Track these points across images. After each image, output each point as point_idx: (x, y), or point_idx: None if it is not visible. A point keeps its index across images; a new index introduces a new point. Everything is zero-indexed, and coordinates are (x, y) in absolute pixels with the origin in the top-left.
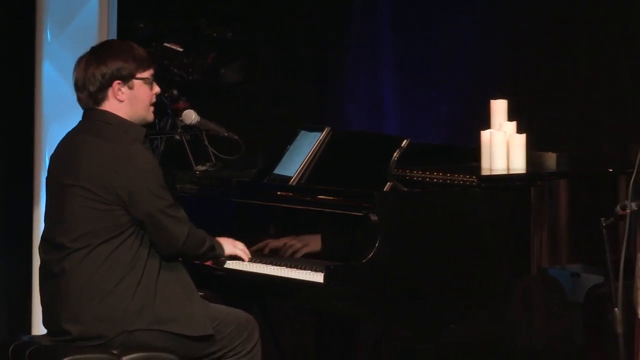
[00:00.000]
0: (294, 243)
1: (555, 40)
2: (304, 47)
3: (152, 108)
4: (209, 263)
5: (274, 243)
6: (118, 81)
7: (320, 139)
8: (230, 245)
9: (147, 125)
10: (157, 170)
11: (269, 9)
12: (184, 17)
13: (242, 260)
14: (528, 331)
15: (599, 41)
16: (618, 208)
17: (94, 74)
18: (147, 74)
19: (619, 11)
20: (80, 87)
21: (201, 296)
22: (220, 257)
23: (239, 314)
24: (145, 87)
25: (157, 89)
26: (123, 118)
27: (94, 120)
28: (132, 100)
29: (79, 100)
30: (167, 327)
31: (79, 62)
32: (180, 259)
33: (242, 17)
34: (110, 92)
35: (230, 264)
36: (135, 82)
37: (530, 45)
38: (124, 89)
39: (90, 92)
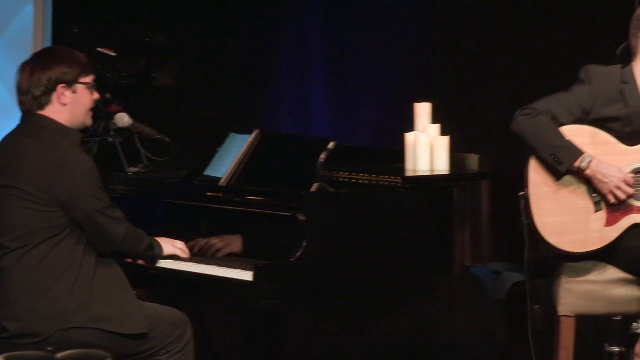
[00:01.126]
0: (224, 243)
1: (478, 44)
2: (233, 52)
3: (91, 113)
4: (142, 262)
5: (205, 243)
6: (62, 85)
7: (250, 141)
8: (169, 245)
9: (83, 129)
10: (95, 173)
11: (199, 14)
12: (117, 23)
13: (182, 259)
14: (451, 327)
15: (521, 45)
16: None
17: (40, 79)
18: (89, 79)
19: (539, 15)
20: (24, 91)
21: (135, 295)
22: (159, 256)
23: (172, 313)
24: (87, 92)
25: (97, 95)
26: (60, 123)
27: (33, 124)
28: (74, 104)
29: (21, 103)
30: (102, 325)
31: (23, 67)
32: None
33: (173, 22)
34: (54, 96)
35: (162, 263)
36: (79, 86)
37: (453, 49)
38: (68, 93)
39: (34, 96)
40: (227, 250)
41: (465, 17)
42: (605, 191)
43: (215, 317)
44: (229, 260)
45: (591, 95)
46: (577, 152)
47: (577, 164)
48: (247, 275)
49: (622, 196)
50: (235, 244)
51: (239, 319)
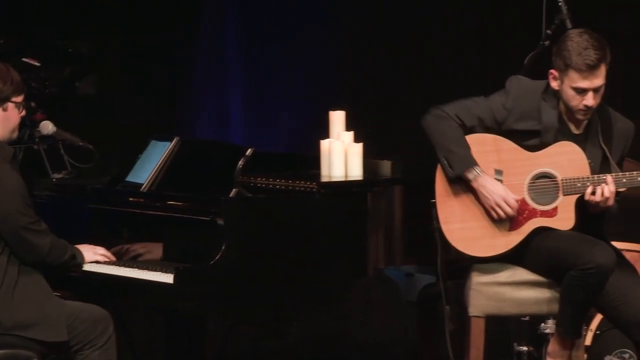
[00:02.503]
0: (146, 246)
1: (390, 54)
2: (155, 62)
3: (17, 128)
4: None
5: (127, 246)
6: None
7: (170, 148)
8: (91, 253)
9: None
10: (23, 190)
11: (122, 25)
12: (41, 34)
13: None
14: (366, 327)
15: (431, 54)
16: None
17: None
18: (20, 98)
19: (450, 26)
20: None
21: (58, 295)
22: (80, 265)
23: (94, 310)
24: (16, 110)
25: (24, 112)
26: None
27: None
28: (4, 121)
29: None
30: (25, 333)
31: None
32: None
33: (97, 33)
34: None
35: (85, 266)
36: (9, 104)
37: (367, 58)
38: None
39: None
40: (149, 254)
41: (378, 28)
42: (487, 206)
43: (137, 317)
44: (150, 263)
45: (506, 109)
46: (470, 163)
47: (466, 173)
48: (167, 278)
49: (501, 214)
50: (156, 247)
51: (159, 319)
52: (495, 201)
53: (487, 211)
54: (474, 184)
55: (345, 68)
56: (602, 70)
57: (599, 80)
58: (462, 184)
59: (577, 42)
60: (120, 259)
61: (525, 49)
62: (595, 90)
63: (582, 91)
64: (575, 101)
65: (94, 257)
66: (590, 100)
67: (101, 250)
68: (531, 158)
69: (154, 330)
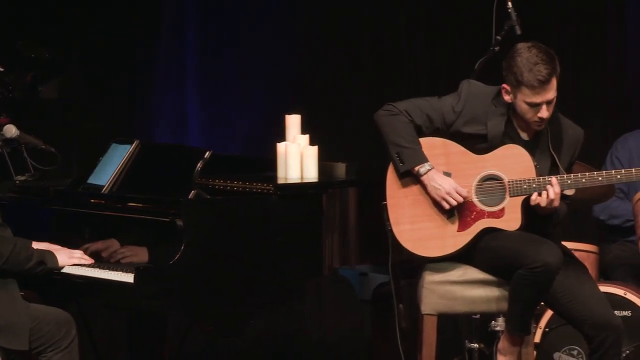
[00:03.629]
0: (107, 246)
1: (345, 59)
2: (115, 68)
3: None
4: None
5: (90, 247)
6: None
7: (130, 151)
8: (66, 257)
9: None
10: None
11: (83, 31)
12: (4, 39)
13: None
14: (321, 326)
15: (383, 59)
16: None
17: None
18: None
19: (401, 31)
20: None
21: (22, 296)
22: (53, 270)
23: (58, 313)
24: None
25: None
26: None
27: None
28: None
29: None
30: None
31: None
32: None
33: (58, 38)
34: None
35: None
36: None
37: (322, 64)
38: None
39: None
40: (110, 254)
41: (332, 34)
42: (437, 198)
43: (99, 316)
44: (111, 263)
45: (456, 112)
46: (421, 159)
47: (417, 168)
48: (128, 277)
49: (452, 202)
50: (117, 247)
51: (121, 319)
52: (446, 190)
53: (437, 211)
54: (424, 178)
55: (301, 73)
56: (553, 83)
57: (550, 93)
58: (411, 186)
59: (527, 57)
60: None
61: (475, 54)
62: (548, 102)
63: (535, 105)
64: (530, 114)
65: (70, 262)
66: (544, 112)
67: (78, 253)
68: (479, 161)
69: (115, 330)
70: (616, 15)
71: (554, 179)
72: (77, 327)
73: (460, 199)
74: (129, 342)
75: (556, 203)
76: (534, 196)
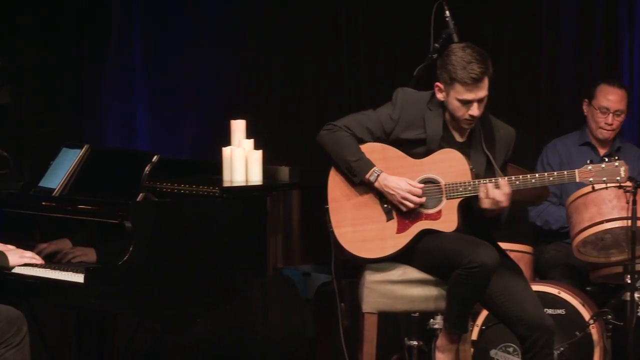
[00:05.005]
0: (59, 248)
1: (287, 66)
2: (65, 74)
3: None
4: None
5: (41, 248)
6: None
7: (80, 155)
8: (17, 256)
9: None
10: None
11: (33, 38)
12: None
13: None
14: (266, 324)
15: (326, 67)
16: None
17: None
18: None
19: (343, 39)
20: None
21: None
22: (4, 269)
23: (9, 311)
24: None
25: None
26: None
27: None
28: None
29: None
30: None
31: None
32: None
33: (10, 45)
34: None
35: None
36: None
37: (267, 70)
38: None
39: None
40: (61, 255)
41: (276, 41)
42: (395, 202)
43: (50, 315)
44: (62, 263)
45: (393, 119)
46: (368, 167)
47: (367, 176)
48: (78, 278)
49: (410, 205)
50: (68, 248)
51: (72, 318)
52: (402, 195)
53: (377, 214)
54: (376, 185)
55: (246, 79)
56: (486, 82)
57: (482, 92)
58: (352, 190)
59: (461, 56)
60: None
61: (414, 61)
62: (480, 101)
63: (467, 102)
64: (461, 112)
65: (20, 261)
66: (475, 110)
67: (29, 254)
68: (416, 165)
69: (66, 328)
70: (549, 22)
71: (502, 180)
72: (29, 325)
73: (417, 200)
74: (79, 340)
75: (505, 204)
76: (482, 194)
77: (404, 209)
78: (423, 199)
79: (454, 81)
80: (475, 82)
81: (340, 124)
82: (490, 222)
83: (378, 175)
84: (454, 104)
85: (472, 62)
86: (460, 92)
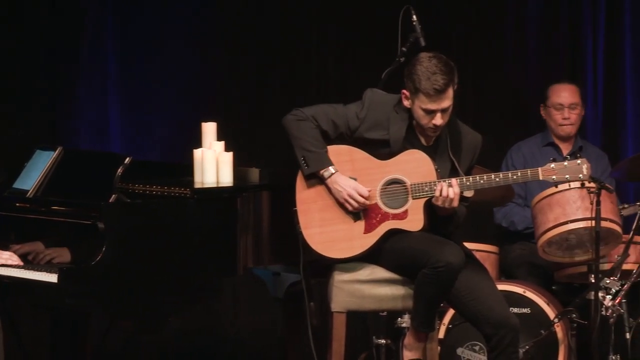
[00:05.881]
0: (33, 249)
1: (258, 69)
2: (39, 76)
3: None
4: None
5: (15, 248)
6: None
7: (54, 157)
8: None
9: None
10: None
11: (5, 39)
12: None
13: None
14: (236, 323)
15: (295, 68)
16: None
17: None
18: None
19: (311, 42)
20: None
21: None
22: None
23: None
24: None
25: None
26: None
27: None
28: None
29: None
30: None
31: None
32: None
33: None
34: None
35: None
36: None
37: (236, 73)
38: None
39: None
40: (35, 255)
41: (245, 44)
42: (341, 200)
43: (23, 314)
44: (36, 264)
45: (359, 118)
46: (326, 162)
47: (321, 171)
48: (52, 277)
49: (354, 204)
50: (41, 249)
51: (46, 318)
52: (348, 193)
53: (344, 215)
54: (328, 182)
55: (216, 82)
56: (450, 93)
57: (446, 102)
58: (320, 191)
59: (427, 66)
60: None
61: (382, 65)
62: (443, 111)
63: (430, 112)
64: (425, 120)
65: None
66: (438, 120)
67: (6, 255)
68: (382, 166)
69: (41, 328)
70: (515, 26)
71: (453, 180)
72: (3, 324)
73: (361, 200)
74: (52, 339)
75: (455, 203)
76: (437, 192)
77: (349, 208)
78: (367, 202)
79: (418, 91)
80: (439, 93)
81: (308, 112)
82: (442, 220)
83: (333, 174)
84: (418, 113)
85: (436, 73)
86: (424, 102)
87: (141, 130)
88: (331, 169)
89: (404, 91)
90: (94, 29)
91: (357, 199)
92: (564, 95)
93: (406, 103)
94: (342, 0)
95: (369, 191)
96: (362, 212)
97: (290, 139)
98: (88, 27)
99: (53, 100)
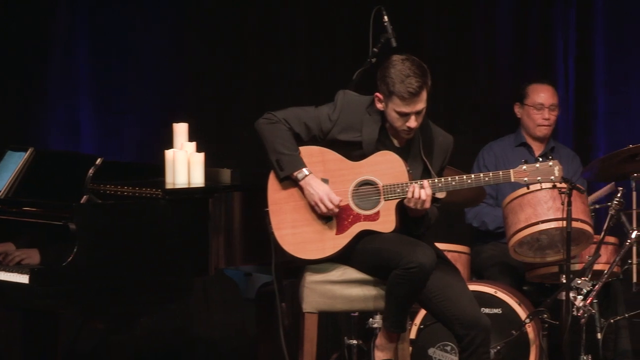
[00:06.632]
0: (3, 249)
1: (228, 69)
2: (9, 77)
3: None
4: None
5: None
6: None
7: (25, 158)
8: None
9: None
10: None
11: None
12: None
13: None
14: (208, 323)
15: (264, 69)
16: None
17: None
18: None
19: (281, 43)
20: None
21: None
22: None
23: None
24: None
25: None
26: None
27: None
28: None
29: None
30: None
31: None
32: None
33: None
34: None
35: None
36: None
37: (209, 74)
38: None
39: None
40: (6, 256)
41: (216, 45)
42: (312, 203)
43: None
44: (7, 265)
45: (332, 120)
46: (299, 165)
47: (295, 173)
48: (23, 278)
49: (323, 209)
50: (13, 250)
51: (16, 318)
52: (320, 197)
53: (316, 216)
54: (302, 183)
55: (188, 83)
56: (423, 95)
57: (420, 105)
58: (292, 192)
59: (400, 69)
60: None
61: (354, 65)
62: (417, 113)
63: (404, 115)
64: (399, 123)
65: None
66: (412, 122)
67: None
68: (355, 167)
69: (11, 329)
70: (486, 28)
71: (425, 182)
72: None
73: (331, 206)
74: (23, 340)
75: (427, 205)
76: (409, 194)
77: (319, 210)
78: (336, 211)
79: (392, 94)
80: (413, 96)
81: (280, 115)
82: (414, 221)
83: (306, 176)
84: (392, 115)
85: (410, 76)
86: (398, 105)
87: (112, 131)
88: (305, 171)
89: (377, 94)
90: (65, 29)
91: (327, 204)
92: (545, 95)
93: (379, 105)
94: (314, 1)
95: (340, 200)
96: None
97: (263, 142)
98: (58, 28)
99: (24, 100)
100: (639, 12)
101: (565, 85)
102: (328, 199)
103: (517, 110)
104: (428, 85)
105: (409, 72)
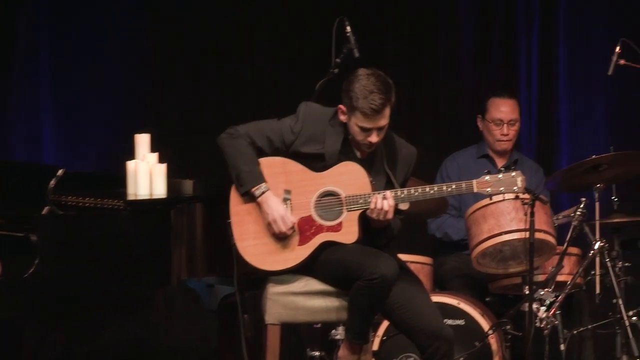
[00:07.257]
0: None
1: (191, 79)
2: None
3: None
4: None
5: None
6: None
7: None
8: None
9: None
10: None
11: None
12: None
13: None
14: (170, 334)
15: (229, 78)
16: None
17: None
18: None
19: (245, 52)
20: None
21: None
22: None
23: None
24: None
25: None
26: None
27: None
28: None
29: None
30: None
31: None
32: None
33: None
34: None
35: None
36: None
37: (170, 84)
38: None
39: None
40: None
41: (179, 56)
42: (266, 221)
43: None
44: None
45: (294, 132)
46: (258, 180)
47: (253, 190)
48: None
49: (276, 230)
50: None
51: None
52: (274, 217)
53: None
54: (259, 200)
55: (150, 93)
56: (386, 112)
57: (382, 121)
58: (254, 204)
59: (364, 84)
60: None
61: (316, 76)
62: (379, 129)
63: (366, 130)
64: (361, 137)
65: None
66: (374, 137)
67: None
68: (317, 178)
69: None
70: (448, 36)
71: (388, 193)
72: None
73: (284, 229)
74: None
75: (390, 215)
76: (372, 205)
77: (273, 230)
78: (288, 233)
79: (355, 109)
80: (375, 113)
81: (242, 130)
82: (376, 232)
83: (264, 192)
84: (354, 129)
85: (374, 92)
86: (360, 120)
87: (75, 142)
88: (263, 187)
89: (341, 106)
90: (27, 37)
91: (280, 227)
92: (504, 110)
93: (342, 118)
94: (276, 11)
95: (294, 223)
96: (296, 225)
97: (225, 157)
98: (20, 36)
99: None
100: (601, 22)
101: (528, 96)
102: (282, 221)
103: (479, 123)
104: (392, 102)
105: (373, 88)
